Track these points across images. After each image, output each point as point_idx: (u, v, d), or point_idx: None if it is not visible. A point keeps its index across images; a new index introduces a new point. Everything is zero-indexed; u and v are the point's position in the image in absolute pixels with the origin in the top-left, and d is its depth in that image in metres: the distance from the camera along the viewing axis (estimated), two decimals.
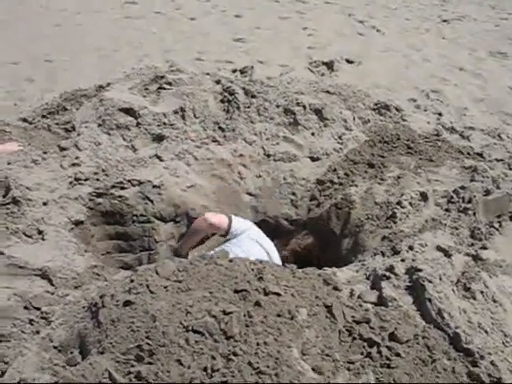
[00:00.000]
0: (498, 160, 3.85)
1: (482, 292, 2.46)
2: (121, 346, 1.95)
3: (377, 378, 1.96)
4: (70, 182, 3.57)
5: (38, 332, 2.31)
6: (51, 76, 5.82)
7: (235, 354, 1.85)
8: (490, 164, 3.70)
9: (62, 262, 2.82)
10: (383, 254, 2.91)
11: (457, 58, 6.84)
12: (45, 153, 3.75)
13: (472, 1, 9.69)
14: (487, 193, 3.20)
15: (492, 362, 2.10)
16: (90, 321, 2.19)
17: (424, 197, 3.36)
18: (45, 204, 3.29)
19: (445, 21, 8.38)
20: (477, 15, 8.79)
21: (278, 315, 2.03)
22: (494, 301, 2.43)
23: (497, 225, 3.05)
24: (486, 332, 2.26)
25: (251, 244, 3.45)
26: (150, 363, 1.87)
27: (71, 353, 2.16)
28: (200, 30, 7.34)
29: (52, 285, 2.62)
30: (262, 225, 3.75)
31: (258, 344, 1.89)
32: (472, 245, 2.87)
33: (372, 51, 6.84)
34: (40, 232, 3.03)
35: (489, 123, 4.87)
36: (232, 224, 3.51)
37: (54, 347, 2.22)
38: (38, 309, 2.43)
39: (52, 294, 2.54)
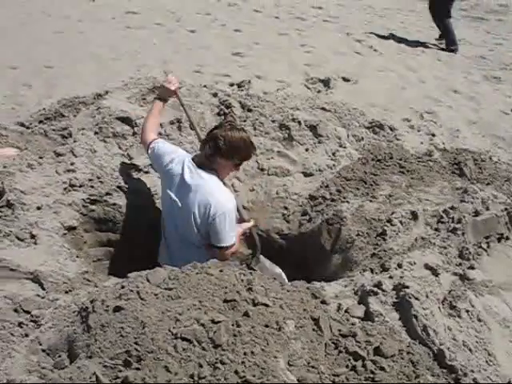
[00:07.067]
0: (487, 183, 3.90)
1: (467, 311, 2.49)
2: (109, 350, 1.97)
3: None
4: (65, 188, 3.59)
5: (26, 335, 2.33)
6: (50, 82, 5.85)
7: (222, 363, 1.87)
8: (480, 185, 3.75)
9: (53, 266, 2.84)
10: (372, 271, 2.94)
11: (452, 80, 6.93)
12: (41, 158, 3.77)
13: (469, 25, 9.84)
14: (476, 214, 3.24)
15: (475, 380, 2.13)
16: (80, 325, 2.20)
17: (414, 216, 3.39)
18: (39, 208, 3.30)
19: (441, 43, 8.49)
20: (472, 39, 8.92)
21: (266, 326, 2.06)
22: (479, 320, 2.47)
23: (485, 245, 3.10)
24: (470, 350, 2.30)
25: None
26: (137, 369, 1.89)
27: (59, 356, 2.18)
28: (199, 43, 7.40)
29: (43, 289, 2.63)
30: None
31: (245, 353, 1.92)
32: (460, 264, 2.91)
33: (368, 70, 6.91)
34: (33, 236, 3.05)
35: (480, 145, 4.93)
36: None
37: (43, 350, 2.24)
38: (28, 312, 2.44)
39: (42, 297, 2.55)
